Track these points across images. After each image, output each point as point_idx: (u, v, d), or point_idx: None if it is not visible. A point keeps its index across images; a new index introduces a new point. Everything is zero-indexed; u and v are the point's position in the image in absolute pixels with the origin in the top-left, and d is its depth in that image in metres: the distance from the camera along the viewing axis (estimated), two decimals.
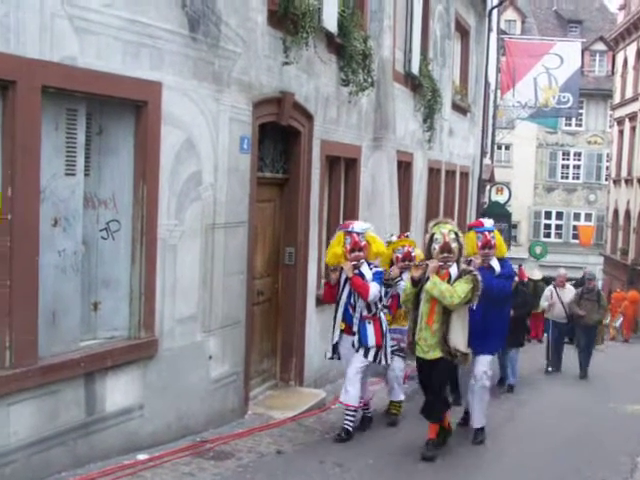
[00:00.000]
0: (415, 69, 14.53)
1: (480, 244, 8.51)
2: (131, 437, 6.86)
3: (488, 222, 8.85)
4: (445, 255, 7.52)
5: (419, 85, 14.89)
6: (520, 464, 7.90)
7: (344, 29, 10.52)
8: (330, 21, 9.96)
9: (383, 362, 8.36)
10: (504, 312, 8.81)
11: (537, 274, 19.39)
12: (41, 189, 5.80)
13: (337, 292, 8.22)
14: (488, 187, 26.02)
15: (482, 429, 8.54)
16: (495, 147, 29.62)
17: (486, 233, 8.57)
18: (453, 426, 8.29)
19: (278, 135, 9.53)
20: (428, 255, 7.70)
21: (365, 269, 8.11)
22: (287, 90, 9.16)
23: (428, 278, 7.48)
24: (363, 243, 8.12)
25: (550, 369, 15.16)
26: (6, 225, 5.53)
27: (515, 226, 40.21)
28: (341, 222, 8.89)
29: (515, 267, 10.75)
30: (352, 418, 8.13)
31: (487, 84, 23.30)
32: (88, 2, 5.98)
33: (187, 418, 7.58)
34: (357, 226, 8.27)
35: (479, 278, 7.43)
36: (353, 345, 8.11)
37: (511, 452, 8.32)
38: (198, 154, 7.47)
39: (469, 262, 8.06)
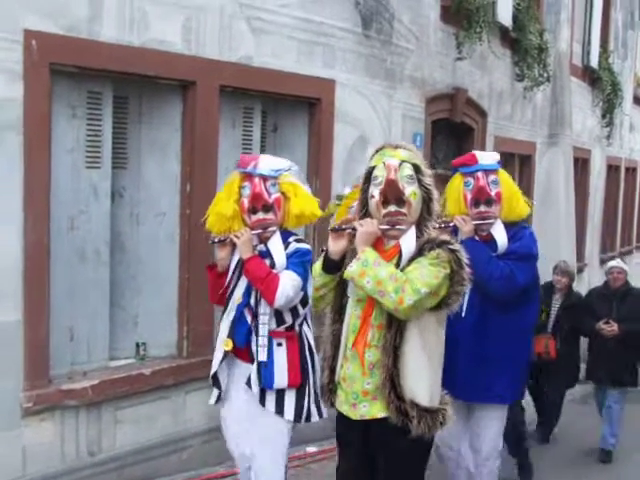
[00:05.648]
0: (594, 62, 14.08)
1: (470, 196, 4.63)
2: (300, 429, 6.95)
3: (487, 156, 4.78)
4: (391, 211, 3.74)
5: (598, 79, 14.41)
6: None
7: (519, 23, 10.33)
8: (504, 15, 9.76)
9: (315, 418, 4.40)
10: (521, 322, 4.75)
11: None
12: (218, 185, 5.98)
13: (228, 284, 4.30)
14: None
15: None
16: None
17: (480, 175, 4.58)
18: None
19: (451, 131, 9.43)
20: (362, 211, 3.91)
21: (275, 245, 4.18)
22: (460, 86, 9.06)
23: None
24: (275, 196, 4.17)
25: None
26: (185, 220, 5.74)
27: None
28: None
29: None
30: None
31: None
32: (264, 3, 6.12)
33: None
34: (264, 164, 4.19)
35: (462, 255, 3.61)
36: (249, 384, 4.21)
37: None
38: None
39: (453, 230, 4.58)
